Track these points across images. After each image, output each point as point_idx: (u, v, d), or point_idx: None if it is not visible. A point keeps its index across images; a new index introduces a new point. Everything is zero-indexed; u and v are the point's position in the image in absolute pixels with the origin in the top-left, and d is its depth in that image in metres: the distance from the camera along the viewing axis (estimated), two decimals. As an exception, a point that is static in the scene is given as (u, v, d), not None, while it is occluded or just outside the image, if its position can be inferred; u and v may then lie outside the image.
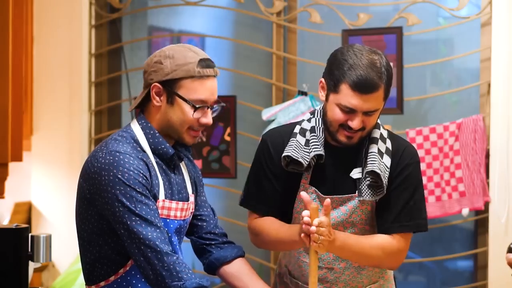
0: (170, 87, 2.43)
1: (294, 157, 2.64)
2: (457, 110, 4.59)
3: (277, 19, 4.57)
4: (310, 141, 2.68)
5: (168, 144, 2.48)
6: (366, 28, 4.37)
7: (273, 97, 4.61)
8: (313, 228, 2.44)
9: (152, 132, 2.46)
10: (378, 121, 2.71)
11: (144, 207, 2.34)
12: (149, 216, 2.34)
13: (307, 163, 2.64)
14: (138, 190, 2.34)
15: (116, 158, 2.35)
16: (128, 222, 2.33)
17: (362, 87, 2.54)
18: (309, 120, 2.74)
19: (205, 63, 2.47)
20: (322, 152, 2.65)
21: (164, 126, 2.47)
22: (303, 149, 2.67)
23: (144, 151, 2.45)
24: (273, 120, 4.42)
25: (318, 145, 2.67)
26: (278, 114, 4.40)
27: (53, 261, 4.60)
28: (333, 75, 2.59)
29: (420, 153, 4.21)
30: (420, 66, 4.43)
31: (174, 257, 2.33)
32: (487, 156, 4.19)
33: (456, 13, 4.28)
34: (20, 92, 3.79)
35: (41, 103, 4.72)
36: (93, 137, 4.72)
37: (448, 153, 4.21)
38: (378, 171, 2.60)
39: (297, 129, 2.73)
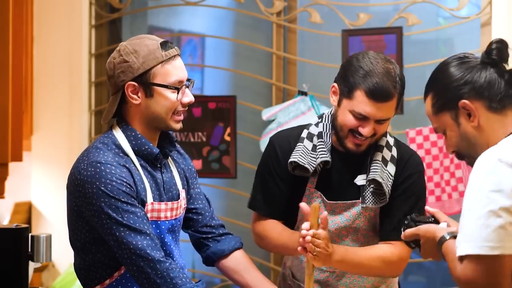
0: (144, 80, 2.38)
1: (300, 163, 2.64)
2: (457, 110, 4.59)
3: (277, 19, 4.57)
4: (317, 147, 2.68)
5: (151, 144, 2.44)
6: (366, 28, 4.37)
7: (273, 97, 4.61)
8: (308, 238, 2.44)
9: (134, 134, 2.42)
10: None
11: (131, 215, 2.32)
12: (137, 224, 2.32)
13: (313, 169, 2.65)
14: (123, 200, 2.32)
15: (98, 170, 2.32)
16: (117, 233, 2.31)
17: (378, 95, 2.55)
18: (316, 125, 2.74)
19: (166, 45, 2.43)
20: (328, 159, 2.66)
21: (149, 121, 2.43)
22: (309, 154, 2.67)
23: (127, 156, 2.41)
24: (273, 120, 4.42)
25: (325, 151, 2.67)
26: (278, 114, 4.41)
27: (53, 261, 4.60)
28: (348, 81, 2.58)
29: (420, 153, 4.21)
30: (420, 66, 4.43)
31: (167, 263, 2.32)
32: (487, 156, 4.19)
33: (456, 13, 4.28)
34: (20, 92, 3.80)
35: (41, 103, 4.72)
36: (93, 137, 4.72)
37: (448, 153, 4.21)
38: (380, 179, 2.61)
39: (304, 133, 2.73)
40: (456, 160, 4.20)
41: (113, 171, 2.33)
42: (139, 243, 2.31)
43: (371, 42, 4.31)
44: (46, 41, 4.71)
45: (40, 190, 4.76)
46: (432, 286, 4.74)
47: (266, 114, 4.45)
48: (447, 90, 2.16)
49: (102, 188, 2.31)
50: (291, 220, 2.76)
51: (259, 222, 2.78)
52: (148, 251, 2.31)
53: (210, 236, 2.65)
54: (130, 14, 4.88)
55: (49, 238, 2.88)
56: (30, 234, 2.85)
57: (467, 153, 2.16)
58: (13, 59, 3.44)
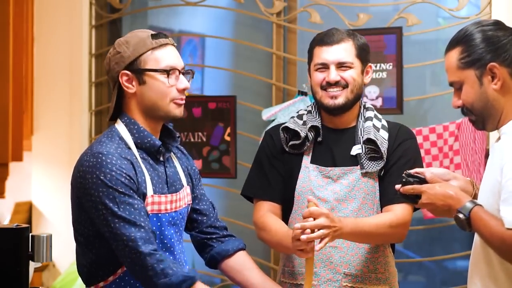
0: (136, 67, 2.44)
1: (291, 127, 2.80)
2: (457, 110, 4.56)
3: (277, 19, 4.58)
4: (307, 118, 2.84)
5: (153, 137, 2.47)
6: (366, 28, 4.37)
7: (273, 97, 4.61)
8: (303, 237, 2.50)
9: (136, 127, 2.45)
10: (371, 106, 2.88)
11: (127, 207, 2.33)
12: (132, 216, 2.33)
13: (304, 134, 2.78)
14: (121, 190, 2.33)
15: (99, 160, 2.35)
16: (112, 225, 2.33)
17: (326, 38, 2.78)
18: (305, 110, 2.90)
19: (158, 35, 2.48)
20: (318, 124, 2.81)
21: (147, 110, 2.46)
22: (300, 125, 2.82)
23: (130, 148, 2.44)
24: (273, 120, 4.42)
25: (314, 120, 2.83)
26: (278, 114, 4.41)
27: (53, 261, 4.61)
28: (308, 50, 2.84)
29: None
30: (420, 66, 4.43)
31: (157, 255, 2.33)
32: (487, 156, 4.19)
33: (456, 14, 4.28)
34: (21, 92, 3.81)
35: (42, 103, 4.72)
36: (93, 137, 4.72)
37: (447, 153, 4.21)
38: (374, 138, 2.73)
39: (294, 114, 2.90)
40: (455, 160, 4.20)
41: (113, 162, 2.35)
42: (132, 235, 2.32)
43: (371, 42, 4.28)
44: (47, 41, 4.71)
45: (41, 190, 4.76)
46: (432, 286, 4.74)
47: (266, 114, 4.45)
48: (481, 49, 2.28)
49: (101, 177, 2.33)
50: (288, 204, 2.83)
51: (260, 214, 2.83)
52: (139, 243, 2.31)
53: (214, 236, 2.67)
54: (130, 14, 4.88)
55: (49, 238, 2.87)
56: (30, 234, 2.85)
57: (479, 112, 2.32)
58: (13, 59, 3.45)
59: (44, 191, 4.76)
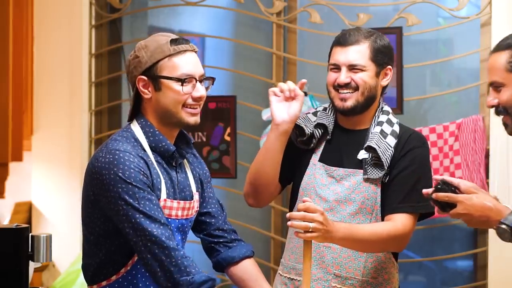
0: (152, 73, 2.43)
1: (297, 123, 2.78)
2: (457, 110, 4.60)
3: (277, 19, 4.58)
4: (317, 118, 2.84)
5: (168, 141, 2.47)
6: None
7: (273, 97, 4.60)
8: (292, 221, 2.50)
9: (152, 130, 2.46)
10: (389, 109, 2.84)
11: (147, 202, 2.34)
12: (152, 212, 2.34)
13: (309, 131, 2.79)
14: (140, 186, 2.34)
15: (116, 157, 2.35)
16: (133, 220, 2.32)
17: (342, 38, 2.76)
18: (322, 107, 2.91)
19: (177, 40, 2.47)
20: (326, 122, 2.80)
21: (161, 115, 2.46)
22: (311, 122, 2.83)
23: (145, 150, 2.44)
24: (273, 120, 4.42)
25: (325, 117, 2.82)
26: (278, 114, 4.40)
27: (53, 261, 4.61)
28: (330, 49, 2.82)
29: (420, 153, 4.21)
30: (420, 66, 4.43)
31: (181, 252, 2.34)
32: (487, 156, 4.20)
33: (456, 13, 4.28)
34: (20, 92, 3.80)
35: (41, 103, 4.72)
36: (93, 137, 4.72)
37: (448, 153, 4.21)
38: (375, 146, 2.70)
39: (312, 111, 2.90)
40: (456, 160, 4.20)
41: (131, 159, 2.36)
42: (155, 230, 2.32)
43: (371, 42, 4.31)
44: (46, 41, 4.71)
45: (40, 190, 4.76)
46: (432, 286, 4.74)
47: (266, 114, 4.45)
48: None
49: (119, 174, 2.33)
50: (293, 199, 2.84)
51: None
52: (163, 238, 2.32)
53: (222, 241, 2.66)
54: (130, 14, 4.88)
55: (49, 238, 2.87)
56: (30, 234, 2.85)
57: None
58: (13, 59, 3.44)
59: (44, 191, 4.76)
